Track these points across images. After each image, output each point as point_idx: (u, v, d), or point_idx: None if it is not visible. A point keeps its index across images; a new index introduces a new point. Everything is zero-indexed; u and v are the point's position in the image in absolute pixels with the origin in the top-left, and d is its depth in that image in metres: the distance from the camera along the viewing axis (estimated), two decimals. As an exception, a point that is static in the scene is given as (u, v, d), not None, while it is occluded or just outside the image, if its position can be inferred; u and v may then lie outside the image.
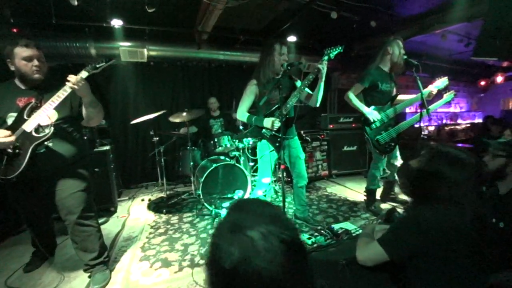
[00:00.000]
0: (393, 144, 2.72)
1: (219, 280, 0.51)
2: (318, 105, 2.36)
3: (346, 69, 5.47)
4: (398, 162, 2.90)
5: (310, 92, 2.35)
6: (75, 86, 1.59)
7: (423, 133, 5.63)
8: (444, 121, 8.03)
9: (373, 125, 2.69)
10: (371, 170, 2.90)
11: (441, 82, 2.69)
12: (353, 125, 4.73)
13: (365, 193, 3.07)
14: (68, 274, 2.04)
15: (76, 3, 2.66)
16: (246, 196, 3.25)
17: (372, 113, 2.67)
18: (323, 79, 2.22)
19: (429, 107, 2.62)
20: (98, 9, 3.12)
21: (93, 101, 1.76)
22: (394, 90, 2.83)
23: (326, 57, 2.18)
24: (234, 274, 0.48)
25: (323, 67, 2.16)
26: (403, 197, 3.06)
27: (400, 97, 2.79)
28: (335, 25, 3.80)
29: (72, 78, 1.59)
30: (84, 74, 1.66)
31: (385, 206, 3.12)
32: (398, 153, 2.91)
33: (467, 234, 0.98)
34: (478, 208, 1.01)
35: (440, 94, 2.75)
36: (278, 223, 0.53)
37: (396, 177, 2.90)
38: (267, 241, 0.49)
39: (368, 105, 2.74)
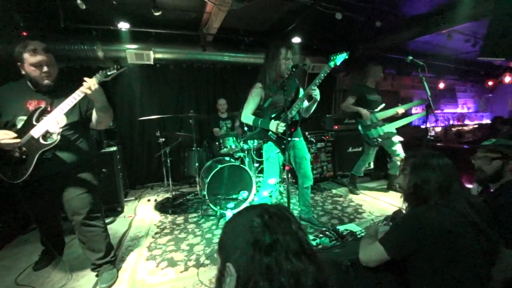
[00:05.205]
0: (380, 140, 3.33)
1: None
2: (307, 116, 2.47)
3: (351, 70, 5.45)
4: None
5: (307, 104, 2.39)
6: (88, 91, 1.57)
7: (429, 134, 5.57)
8: (451, 122, 7.95)
9: (365, 122, 3.37)
10: (360, 160, 3.69)
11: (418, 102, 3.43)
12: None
13: (350, 177, 3.81)
14: (76, 273, 2.08)
15: (84, 6, 2.72)
16: (251, 197, 3.26)
17: (365, 110, 3.33)
18: (316, 102, 2.30)
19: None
20: (106, 12, 3.18)
21: (105, 106, 1.74)
22: (381, 100, 3.49)
23: (332, 63, 2.18)
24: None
25: (316, 94, 2.22)
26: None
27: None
28: (339, 26, 3.80)
29: (87, 82, 1.58)
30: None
31: (383, 205, 3.10)
32: (400, 152, 3.37)
33: (463, 233, 1.01)
34: (468, 208, 1.06)
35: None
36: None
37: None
38: None
39: None
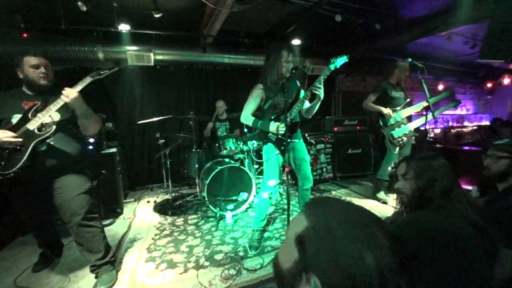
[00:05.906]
0: (405, 139, 3.18)
1: None
2: (309, 117, 2.44)
3: (351, 71, 5.46)
4: None
5: (309, 105, 2.37)
6: (67, 99, 1.67)
7: (428, 135, 5.58)
8: (450, 124, 7.96)
9: (389, 121, 3.21)
10: (383, 162, 3.43)
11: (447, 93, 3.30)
12: (358, 127, 4.72)
13: (376, 182, 3.57)
14: (76, 274, 2.07)
15: (85, 8, 2.73)
16: (250, 199, 3.26)
17: (387, 110, 3.19)
18: (320, 101, 2.25)
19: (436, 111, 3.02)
20: (106, 14, 3.19)
21: (86, 113, 1.81)
22: (404, 97, 3.34)
23: (332, 66, 2.17)
24: None
25: (320, 92, 2.16)
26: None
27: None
28: (339, 28, 3.81)
29: (67, 90, 1.68)
30: (88, 79, 1.76)
31: (383, 206, 3.10)
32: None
33: (465, 235, 1.00)
34: (469, 209, 1.05)
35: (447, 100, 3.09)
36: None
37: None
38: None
39: None
